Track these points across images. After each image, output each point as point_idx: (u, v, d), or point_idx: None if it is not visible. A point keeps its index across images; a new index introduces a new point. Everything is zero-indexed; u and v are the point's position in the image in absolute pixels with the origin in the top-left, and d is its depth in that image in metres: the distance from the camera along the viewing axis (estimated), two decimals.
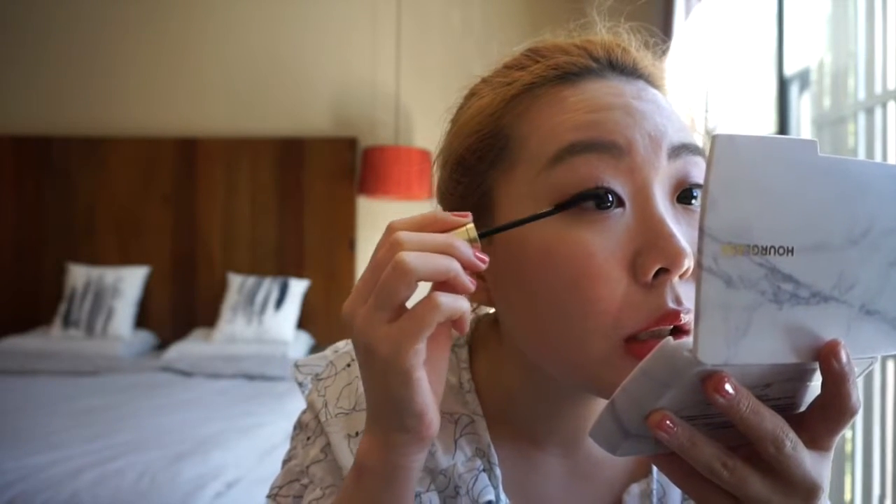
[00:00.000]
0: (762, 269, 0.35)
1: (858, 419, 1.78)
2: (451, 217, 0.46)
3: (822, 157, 0.35)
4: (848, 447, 1.86)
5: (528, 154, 0.50)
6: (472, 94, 0.58)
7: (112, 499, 1.78)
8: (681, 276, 0.45)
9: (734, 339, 0.34)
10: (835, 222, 0.36)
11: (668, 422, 0.37)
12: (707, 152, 0.55)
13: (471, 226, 0.45)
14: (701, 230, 0.34)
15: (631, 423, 0.38)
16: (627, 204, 0.47)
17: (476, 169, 0.53)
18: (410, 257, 0.42)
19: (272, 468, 2.09)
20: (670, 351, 0.36)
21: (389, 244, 0.43)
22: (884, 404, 1.72)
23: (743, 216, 0.34)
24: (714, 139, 0.34)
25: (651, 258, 0.45)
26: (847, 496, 1.87)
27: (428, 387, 0.44)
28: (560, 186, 0.47)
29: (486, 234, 0.47)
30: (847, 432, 1.86)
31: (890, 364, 1.71)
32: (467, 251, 0.44)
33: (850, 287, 0.37)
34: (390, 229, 0.45)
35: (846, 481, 1.87)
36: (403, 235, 0.43)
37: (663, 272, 0.45)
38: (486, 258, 0.45)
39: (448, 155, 0.57)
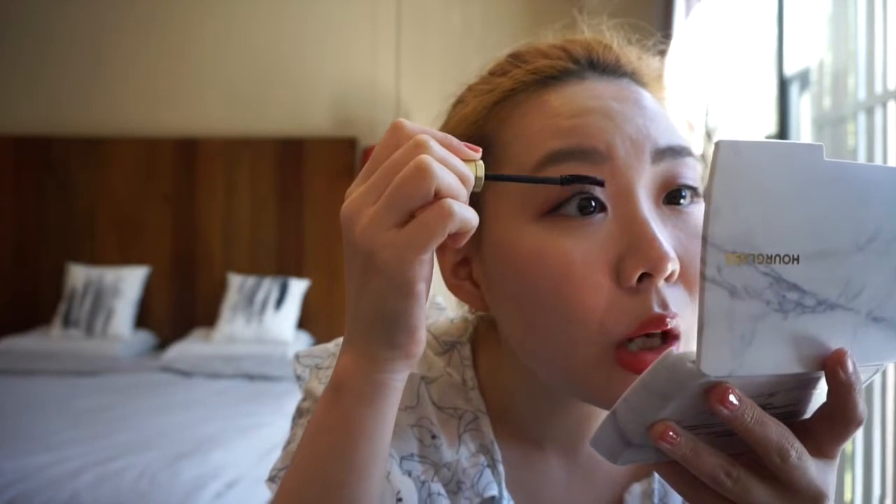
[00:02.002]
0: (767, 279, 0.34)
1: None
2: (465, 148, 0.42)
3: (827, 162, 0.35)
4: (848, 447, 1.86)
5: (511, 161, 0.50)
6: (457, 103, 0.57)
7: (112, 499, 1.78)
8: (667, 280, 0.45)
9: (739, 350, 0.34)
10: (841, 228, 0.35)
11: (671, 433, 0.36)
12: (705, 155, 0.55)
13: (481, 163, 0.43)
14: (704, 239, 0.33)
15: (633, 433, 0.38)
16: (609, 208, 0.47)
17: None
18: (436, 165, 0.38)
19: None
20: (672, 363, 0.35)
21: (415, 144, 0.39)
22: (884, 405, 1.72)
23: (747, 224, 0.34)
24: (717, 146, 0.33)
25: (633, 263, 0.45)
26: (847, 496, 1.87)
27: (424, 303, 0.41)
28: (545, 194, 0.47)
29: (493, 179, 0.45)
30: None
31: (890, 364, 1.71)
32: (467, 195, 0.41)
33: (857, 294, 0.36)
34: (401, 129, 0.41)
35: (846, 481, 1.87)
36: (431, 142, 0.39)
37: (647, 276, 0.45)
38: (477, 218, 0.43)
39: None
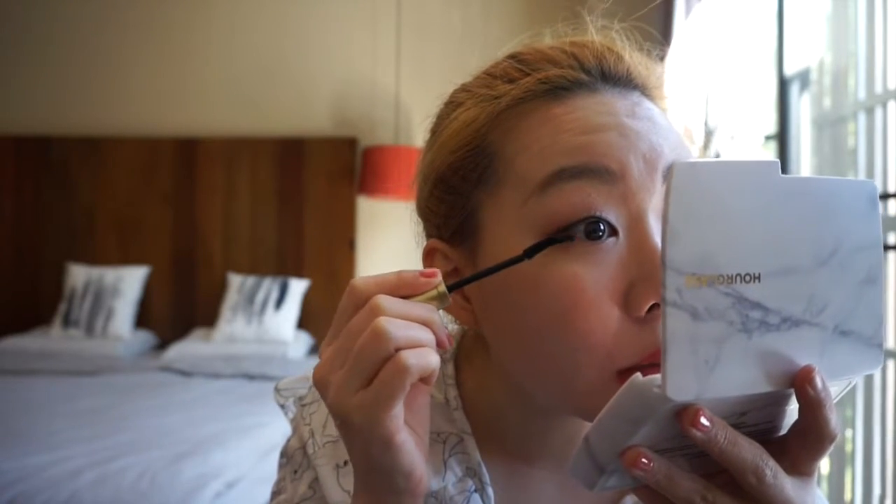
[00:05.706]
0: (729, 299, 0.34)
1: (858, 419, 1.78)
2: (421, 279, 0.44)
3: (784, 178, 0.35)
4: (848, 447, 1.86)
5: (515, 176, 0.48)
6: (453, 105, 0.54)
7: (112, 499, 1.77)
8: None
9: (704, 373, 0.33)
10: (802, 244, 0.35)
11: (643, 459, 0.36)
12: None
13: (441, 286, 0.44)
14: (663, 263, 0.33)
15: (606, 459, 0.37)
16: (621, 233, 0.45)
17: (460, 188, 0.51)
18: (392, 325, 0.40)
19: (272, 468, 2.09)
20: (639, 388, 0.35)
21: (369, 309, 0.41)
22: (884, 404, 1.72)
23: (706, 245, 0.33)
24: (672, 168, 0.33)
25: (646, 293, 0.43)
26: (847, 496, 1.87)
27: (413, 446, 0.42)
28: (550, 215, 0.45)
29: (456, 287, 0.45)
30: (847, 432, 1.86)
31: (890, 364, 1.71)
32: (442, 330, 0.43)
33: (822, 309, 0.36)
34: (357, 291, 0.43)
35: (846, 481, 1.87)
36: (384, 301, 0.41)
37: (657, 307, 0.43)
38: (452, 342, 0.44)
39: (429, 171, 0.54)
